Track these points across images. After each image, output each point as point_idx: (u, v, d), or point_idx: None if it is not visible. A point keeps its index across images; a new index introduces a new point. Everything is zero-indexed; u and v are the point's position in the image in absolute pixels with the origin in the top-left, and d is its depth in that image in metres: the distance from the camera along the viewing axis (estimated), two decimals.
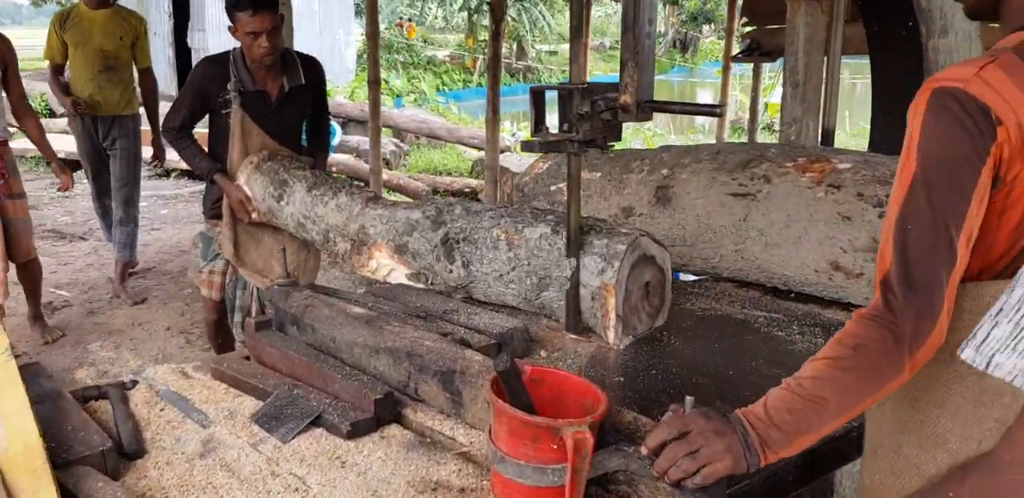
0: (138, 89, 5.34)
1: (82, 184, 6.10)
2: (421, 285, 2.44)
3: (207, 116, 3.47)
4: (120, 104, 5.12)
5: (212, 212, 3.56)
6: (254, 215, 3.29)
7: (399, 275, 2.51)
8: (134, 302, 5.13)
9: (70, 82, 5.08)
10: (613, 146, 2.04)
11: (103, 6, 5.02)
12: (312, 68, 3.49)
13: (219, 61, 3.35)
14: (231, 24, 3.25)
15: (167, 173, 8.15)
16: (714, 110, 1.77)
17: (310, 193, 2.99)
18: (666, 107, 1.80)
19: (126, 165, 5.18)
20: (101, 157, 5.21)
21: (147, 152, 5.43)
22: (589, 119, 1.89)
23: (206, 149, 3.47)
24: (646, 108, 1.80)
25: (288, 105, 3.41)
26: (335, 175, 3.87)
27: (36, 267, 4.47)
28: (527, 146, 1.97)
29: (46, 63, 5.19)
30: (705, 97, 18.81)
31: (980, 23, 2.67)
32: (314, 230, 2.94)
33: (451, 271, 2.35)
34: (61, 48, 5.01)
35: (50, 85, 5.23)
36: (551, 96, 1.98)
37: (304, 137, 3.68)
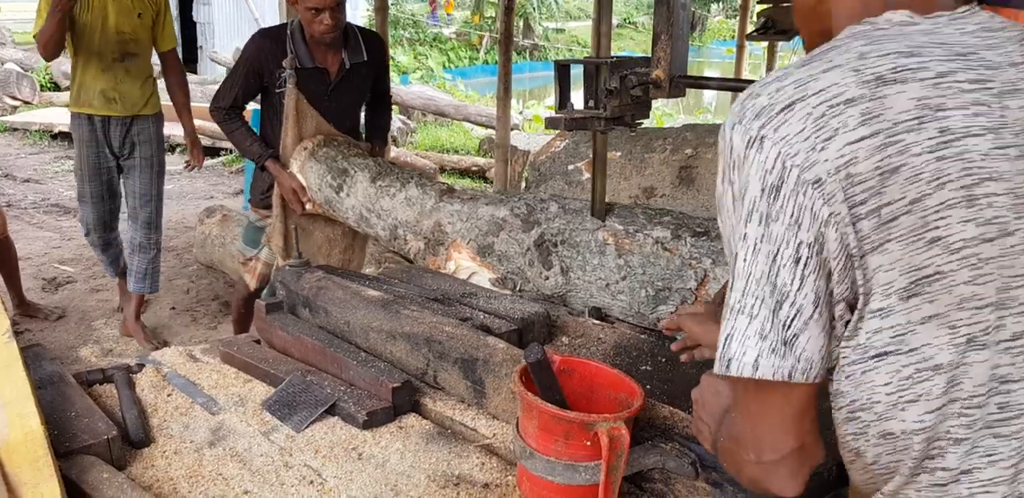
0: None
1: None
2: (508, 291, 2.17)
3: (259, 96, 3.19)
4: (141, 101, 3.92)
5: (262, 202, 3.28)
6: (308, 206, 3.01)
7: (481, 279, 2.24)
8: (154, 347, 3.96)
9: (75, 77, 3.87)
10: (642, 124, 1.95)
11: None
12: (374, 44, 3.21)
13: (275, 35, 3.06)
14: None
15: (172, 148, 8.05)
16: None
17: (374, 184, 2.69)
18: (702, 82, 1.71)
19: (148, 178, 4.00)
20: (111, 173, 3.97)
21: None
22: (618, 95, 1.80)
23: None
24: (679, 83, 1.70)
25: (347, 84, 3.13)
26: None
27: (9, 246, 4.19)
28: (552, 123, 1.87)
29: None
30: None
31: None
32: (379, 225, 2.64)
33: (547, 278, 2.10)
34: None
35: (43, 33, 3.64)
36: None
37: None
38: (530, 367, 1.27)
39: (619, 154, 2.77)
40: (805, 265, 0.81)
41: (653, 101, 1.91)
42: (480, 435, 1.53)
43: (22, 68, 10.52)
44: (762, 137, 0.81)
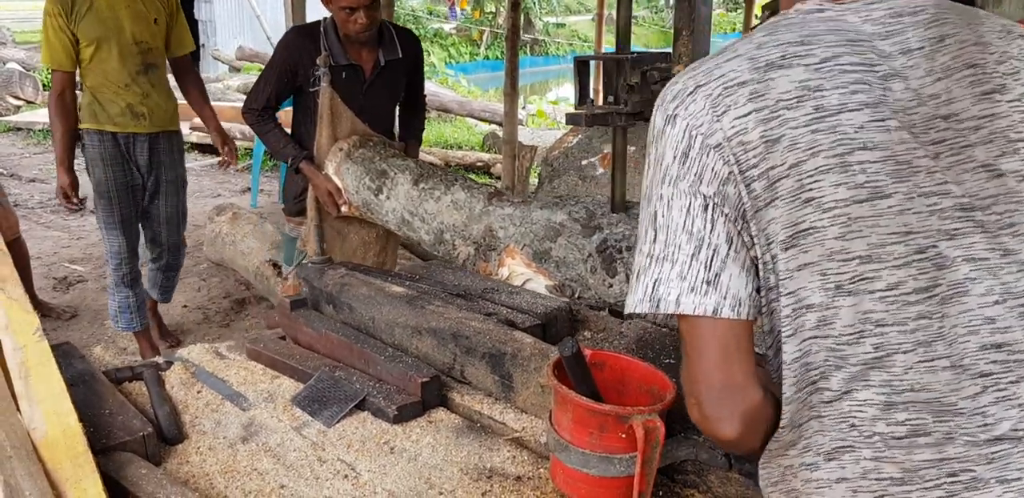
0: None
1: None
2: (565, 298, 2.07)
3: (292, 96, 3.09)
4: (167, 115, 3.56)
5: (296, 208, 3.16)
6: (344, 208, 2.92)
7: (537, 285, 2.15)
8: (169, 345, 3.97)
9: (89, 98, 3.40)
10: None
11: None
12: (410, 42, 3.14)
13: (309, 32, 2.98)
14: None
15: (191, 148, 8.05)
16: None
17: (417, 186, 2.58)
18: None
19: (176, 202, 3.70)
20: (140, 193, 3.58)
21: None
22: (639, 91, 1.81)
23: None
24: None
25: (382, 82, 3.06)
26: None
27: (21, 246, 4.11)
28: (573, 119, 1.89)
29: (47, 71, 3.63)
30: None
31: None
32: (423, 229, 2.53)
33: (611, 286, 2.00)
34: (72, 47, 3.29)
35: (54, 117, 3.38)
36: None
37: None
38: (565, 361, 1.28)
39: (633, 148, 2.78)
40: (713, 210, 0.93)
41: None
42: (509, 429, 1.55)
43: (24, 68, 10.53)
44: (675, 115, 0.96)
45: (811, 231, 0.89)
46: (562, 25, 24.97)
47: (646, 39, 24.32)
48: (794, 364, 0.93)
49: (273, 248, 3.69)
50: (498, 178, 6.91)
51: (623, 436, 1.24)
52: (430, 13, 22.78)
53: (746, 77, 0.93)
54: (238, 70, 12.95)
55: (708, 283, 0.92)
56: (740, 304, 0.92)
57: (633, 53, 1.85)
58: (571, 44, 23.05)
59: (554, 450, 1.31)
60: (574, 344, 1.27)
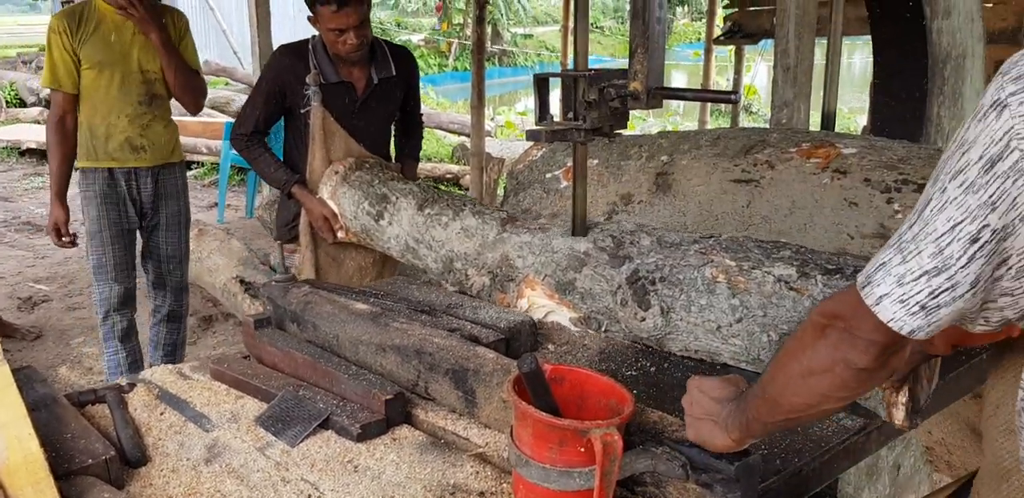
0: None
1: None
2: (591, 331, 2.00)
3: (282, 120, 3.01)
4: (168, 146, 3.37)
5: (289, 234, 3.04)
6: (340, 234, 2.81)
7: (559, 318, 2.06)
8: None
9: (84, 126, 3.24)
10: (620, 134, 1.99)
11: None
12: (404, 59, 3.04)
13: (296, 50, 2.87)
14: (310, 14, 2.80)
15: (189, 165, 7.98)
16: (729, 97, 1.73)
17: (422, 212, 2.45)
18: (678, 94, 1.75)
19: (178, 237, 3.46)
20: (133, 235, 3.39)
21: None
22: (597, 107, 1.84)
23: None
24: (656, 95, 1.75)
25: (376, 100, 2.95)
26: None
27: None
28: (533, 135, 1.91)
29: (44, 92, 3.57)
30: (680, 80, 18.79)
31: (982, 3, 2.64)
32: (429, 257, 2.40)
33: (643, 319, 1.87)
34: (74, 68, 3.13)
35: (52, 143, 3.21)
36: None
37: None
38: (524, 377, 1.30)
39: (595, 162, 2.81)
40: (980, 248, 0.81)
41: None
42: (473, 444, 1.56)
43: None
44: (1006, 104, 0.80)
45: None
46: (530, 36, 25.14)
47: (613, 49, 24.54)
48: None
49: (240, 264, 3.65)
50: (467, 189, 6.93)
51: (582, 450, 1.25)
52: (398, 25, 22.83)
53: None
54: None
55: (923, 308, 0.84)
56: (934, 332, 0.87)
57: (591, 70, 1.88)
58: (539, 55, 23.19)
59: (515, 465, 1.33)
60: (532, 360, 1.29)
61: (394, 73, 2.96)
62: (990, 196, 0.80)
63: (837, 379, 0.96)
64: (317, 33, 2.86)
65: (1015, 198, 0.79)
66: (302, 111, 2.87)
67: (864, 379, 0.95)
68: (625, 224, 2.07)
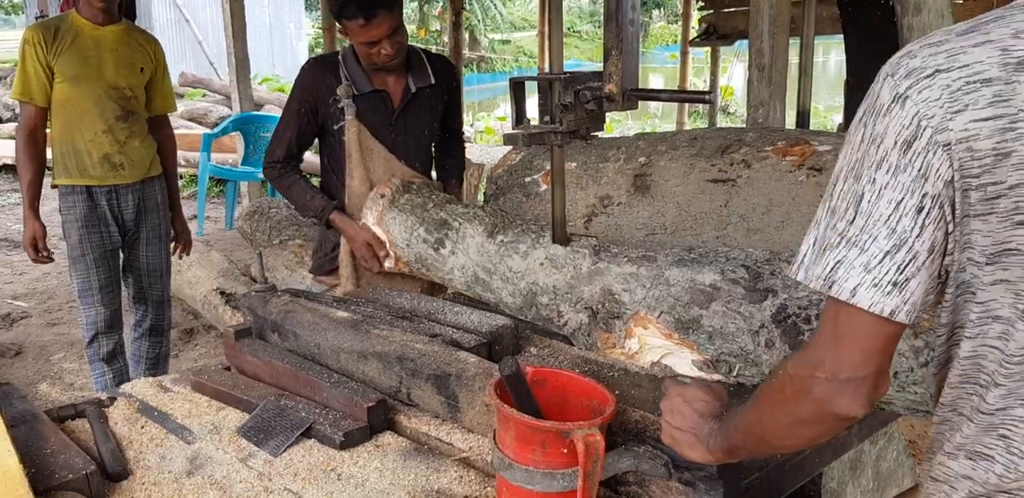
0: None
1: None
2: (719, 376, 1.70)
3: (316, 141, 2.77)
4: (146, 162, 3.31)
5: (327, 267, 2.82)
6: (388, 263, 2.52)
7: (679, 360, 1.76)
8: None
9: (61, 150, 3.19)
10: (597, 136, 2.00)
11: (112, 21, 3.18)
12: (443, 67, 2.80)
13: (326, 62, 2.68)
14: (340, 27, 2.62)
15: None
16: (704, 97, 1.74)
17: (493, 239, 2.19)
18: (653, 95, 1.76)
19: (158, 250, 3.42)
20: (116, 256, 3.34)
21: None
22: (572, 110, 1.85)
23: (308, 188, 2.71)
24: (631, 97, 1.76)
25: (414, 112, 2.71)
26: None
27: None
28: (510, 139, 1.91)
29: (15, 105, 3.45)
30: (658, 82, 18.88)
31: (952, 0, 2.67)
32: (504, 290, 2.13)
33: None
34: (47, 81, 3.09)
35: (22, 157, 3.16)
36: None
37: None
38: (505, 380, 1.30)
39: (573, 164, 2.82)
40: (927, 215, 0.89)
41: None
42: (456, 449, 1.56)
43: None
44: (906, 96, 0.89)
45: (1016, 252, 0.88)
46: (507, 42, 25.18)
47: (591, 53, 24.62)
48: (966, 361, 0.96)
49: (220, 276, 3.60)
50: None
51: (565, 451, 1.25)
52: None
53: (993, 74, 0.85)
54: (181, 96, 12.82)
55: (894, 285, 0.90)
56: (914, 310, 0.92)
57: (566, 73, 1.88)
58: (517, 60, 23.23)
59: (499, 469, 1.33)
60: (513, 363, 1.29)
61: (433, 82, 2.73)
62: (918, 169, 0.89)
63: (829, 428, 1.02)
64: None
65: (938, 167, 0.88)
66: (335, 127, 2.65)
67: (858, 418, 0.99)
68: (753, 251, 1.83)
